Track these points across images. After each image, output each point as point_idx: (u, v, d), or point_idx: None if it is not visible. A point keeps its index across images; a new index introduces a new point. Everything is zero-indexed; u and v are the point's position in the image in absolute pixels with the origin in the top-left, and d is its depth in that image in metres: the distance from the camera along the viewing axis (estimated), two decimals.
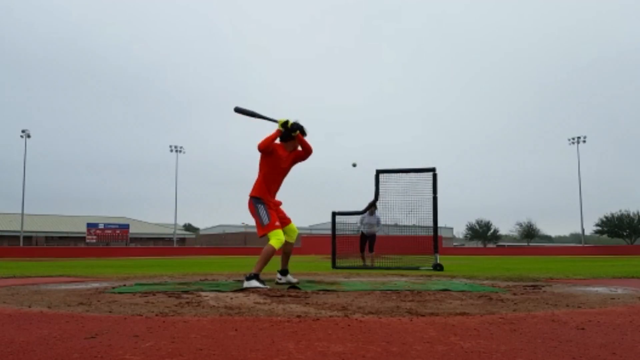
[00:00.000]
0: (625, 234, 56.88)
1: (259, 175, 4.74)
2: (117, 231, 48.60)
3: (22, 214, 45.84)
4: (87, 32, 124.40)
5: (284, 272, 4.90)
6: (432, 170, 5.52)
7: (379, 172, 5.50)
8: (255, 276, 4.29)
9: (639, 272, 6.94)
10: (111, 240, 47.78)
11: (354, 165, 5.27)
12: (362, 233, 10.21)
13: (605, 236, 61.12)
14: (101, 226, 48.36)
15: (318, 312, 2.84)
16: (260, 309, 2.96)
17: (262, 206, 4.59)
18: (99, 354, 1.80)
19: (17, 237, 47.47)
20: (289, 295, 3.71)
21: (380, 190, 5.45)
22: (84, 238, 49.43)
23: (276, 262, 4.97)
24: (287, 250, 4.83)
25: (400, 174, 5.61)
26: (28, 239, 52.24)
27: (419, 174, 5.59)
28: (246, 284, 4.23)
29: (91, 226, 47.71)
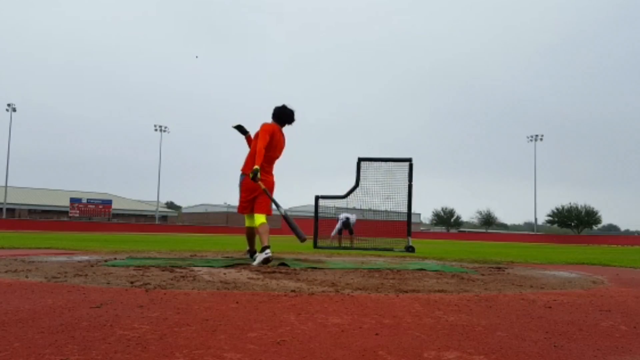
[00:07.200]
0: (573, 224, 59.79)
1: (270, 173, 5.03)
2: (100, 206, 48.32)
3: (6, 186, 45.65)
4: None
5: (253, 253, 5.13)
6: (409, 160, 5.82)
7: (360, 159, 5.74)
8: (268, 247, 4.58)
9: (588, 259, 7.46)
10: (93, 215, 47.45)
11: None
12: (342, 222, 11.20)
13: (555, 226, 64.09)
14: (84, 201, 47.96)
15: (310, 287, 2.99)
16: (255, 284, 3.07)
17: (273, 197, 4.90)
18: (107, 323, 1.84)
19: (0, 209, 46.97)
20: (280, 272, 3.87)
21: (360, 177, 5.68)
22: (66, 212, 49.16)
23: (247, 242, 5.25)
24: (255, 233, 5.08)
25: (380, 162, 5.86)
26: (11, 211, 51.89)
27: (396, 163, 5.86)
28: (265, 256, 4.52)
29: (74, 201, 47.37)
